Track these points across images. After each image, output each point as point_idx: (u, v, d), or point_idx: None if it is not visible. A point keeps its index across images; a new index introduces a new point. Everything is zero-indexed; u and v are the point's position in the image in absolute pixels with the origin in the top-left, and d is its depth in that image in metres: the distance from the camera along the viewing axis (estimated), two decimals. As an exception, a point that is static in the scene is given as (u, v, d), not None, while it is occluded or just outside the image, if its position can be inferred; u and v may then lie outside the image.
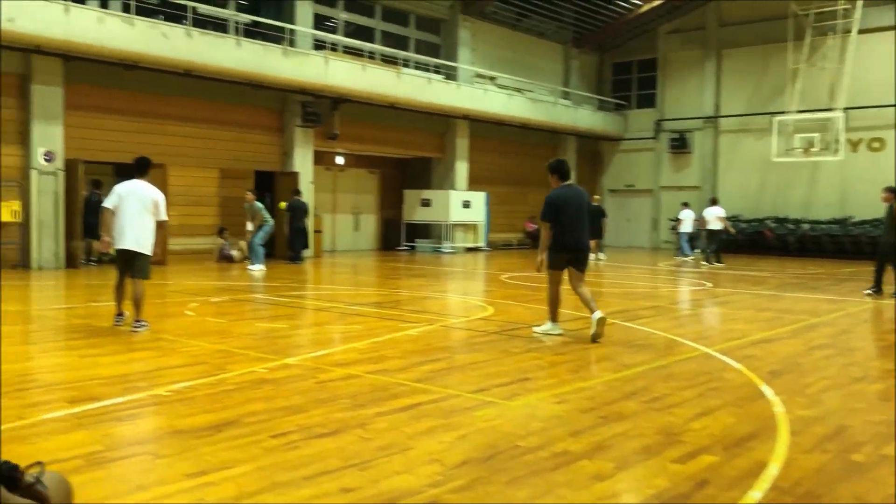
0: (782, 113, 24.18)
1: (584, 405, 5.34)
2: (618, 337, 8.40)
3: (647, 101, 29.30)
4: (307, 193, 19.54)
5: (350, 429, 4.65)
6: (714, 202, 20.88)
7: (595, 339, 7.84)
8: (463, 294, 13.51)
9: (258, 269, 15.91)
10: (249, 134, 19.26)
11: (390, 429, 4.66)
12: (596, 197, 24.34)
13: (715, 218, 19.90)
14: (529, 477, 3.87)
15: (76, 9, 14.64)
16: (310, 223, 19.29)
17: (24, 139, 15.31)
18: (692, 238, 22.40)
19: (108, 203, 8.23)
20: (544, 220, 8.17)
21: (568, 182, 8.37)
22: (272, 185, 19.96)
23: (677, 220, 22.98)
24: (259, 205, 16.42)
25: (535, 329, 8.43)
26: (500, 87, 24.66)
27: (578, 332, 8.59)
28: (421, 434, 4.57)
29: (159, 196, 8.34)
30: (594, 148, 29.93)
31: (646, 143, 29.02)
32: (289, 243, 18.44)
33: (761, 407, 5.39)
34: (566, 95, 27.64)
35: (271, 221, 16.58)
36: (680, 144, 27.97)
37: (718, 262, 19.49)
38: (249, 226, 16.47)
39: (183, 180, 17.82)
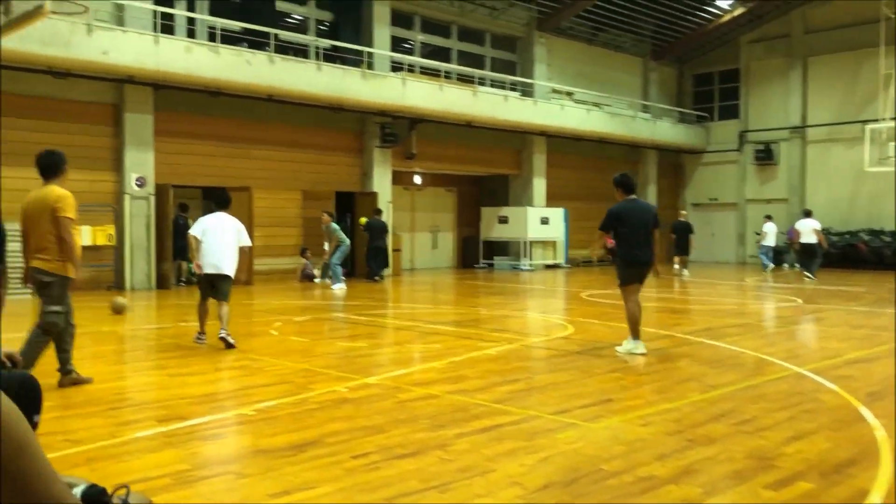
0: (875, 121, 23.15)
1: (670, 427, 5.17)
2: (704, 356, 8.14)
3: (730, 113, 28.53)
4: (386, 213, 19.78)
5: (430, 450, 4.62)
6: (808, 214, 20.09)
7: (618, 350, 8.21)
8: (542, 312, 13.37)
9: (339, 287, 16.18)
10: (330, 156, 19.66)
11: (470, 450, 4.62)
12: (683, 212, 23.82)
13: (810, 231, 19.11)
14: (613, 502, 3.76)
15: (165, 40, 15.29)
16: (389, 242, 19.52)
17: (117, 165, 16.02)
18: (778, 252, 21.57)
19: (193, 231, 8.79)
20: (601, 230, 8.41)
21: (632, 196, 8.37)
22: (352, 205, 20.30)
23: (761, 234, 22.24)
24: (335, 226, 16.79)
25: (618, 349, 8.27)
26: (578, 102, 24.45)
27: (662, 350, 8.37)
28: (501, 456, 4.51)
29: (241, 225, 8.85)
30: (676, 161, 29.31)
31: (729, 156, 28.23)
32: (368, 262, 18.72)
33: (860, 431, 5.11)
34: (645, 109, 27.20)
35: (347, 242, 16.90)
36: (765, 156, 27.09)
37: (810, 276, 18.72)
38: (326, 246, 16.94)
39: (267, 202, 18.28)
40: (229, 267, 8.61)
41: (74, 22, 13.76)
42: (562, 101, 23.95)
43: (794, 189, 26.49)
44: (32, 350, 6.13)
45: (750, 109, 27.87)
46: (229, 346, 8.32)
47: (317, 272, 18.17)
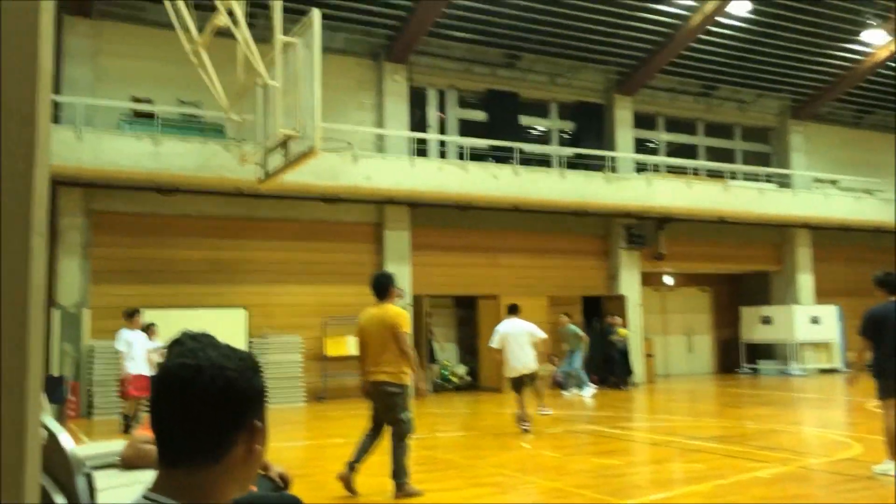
0: None
1: None
2: None
3: None
4: (635, 316, 19.24)
5: None
6: None
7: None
8: (820, 426, 11.96)
9: (588, 393, 15.93)
10: (575, 260, 19.66)
11: None
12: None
13: None
14: None
15: (420, 161, 16.48)
16: (635, 347, 18.96)
17: (379, 280, 17.19)
18: None
19: (493, 344, 10.72)
20: (861, 336, 7.43)
21: None
22: (599, 309, 19.97)
23: None
24: (572, 327, 16.68)
25: (875, 468, 7.31)
26: (844, 189, 22.45)
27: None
28: None
29: (532, 326, 10.72)
30: (971, 248, 25.63)
31: None
32: (610, 369, 18.36)
33: None
34: (927, 191, 24.29)
35: (582, 343, 16.69)
36: None
37: None
38: (565, 347, 16.89)
39: (515, 309, 18.56)
40: (532, 364, 10.60)
41: (342, 154, 15.31)
42: (825, 189, 22.15)
43: None
44: (400, 458, 6.80)
45: None
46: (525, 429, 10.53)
47: (566, 380, 17.96)
